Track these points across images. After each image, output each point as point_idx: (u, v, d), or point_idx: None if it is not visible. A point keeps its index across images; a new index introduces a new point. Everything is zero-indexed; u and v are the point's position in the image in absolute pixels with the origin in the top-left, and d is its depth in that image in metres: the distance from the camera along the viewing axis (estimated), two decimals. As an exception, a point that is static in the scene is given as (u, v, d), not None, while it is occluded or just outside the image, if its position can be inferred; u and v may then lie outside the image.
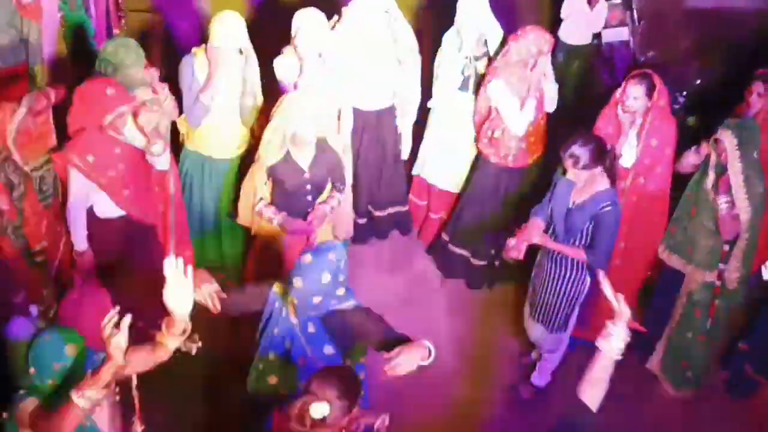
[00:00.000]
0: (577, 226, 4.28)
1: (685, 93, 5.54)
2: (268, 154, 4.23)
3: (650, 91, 4.54)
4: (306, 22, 4.59)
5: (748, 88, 4.75)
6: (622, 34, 6.01)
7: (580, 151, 4.17)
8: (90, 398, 2.75)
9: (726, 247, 4.46)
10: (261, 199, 4.33)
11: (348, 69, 4.81)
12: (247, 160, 4.67)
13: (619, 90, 4.64)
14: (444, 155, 5.30)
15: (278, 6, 6.11)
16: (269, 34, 4.98)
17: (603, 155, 4.23)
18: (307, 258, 3.27)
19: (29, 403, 2.92)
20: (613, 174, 4.28)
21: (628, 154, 4.61)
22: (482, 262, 5.37)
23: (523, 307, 5.26)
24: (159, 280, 4.35)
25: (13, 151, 3.93)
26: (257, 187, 4.32)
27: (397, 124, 5.23)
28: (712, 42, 5.87)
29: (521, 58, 4.76)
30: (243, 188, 4.43)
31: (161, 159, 4.32)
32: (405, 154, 5.39)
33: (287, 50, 4.71)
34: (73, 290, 4.27)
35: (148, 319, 3.10)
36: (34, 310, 4.15)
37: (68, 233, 4.19)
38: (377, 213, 5.42)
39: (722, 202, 4.35)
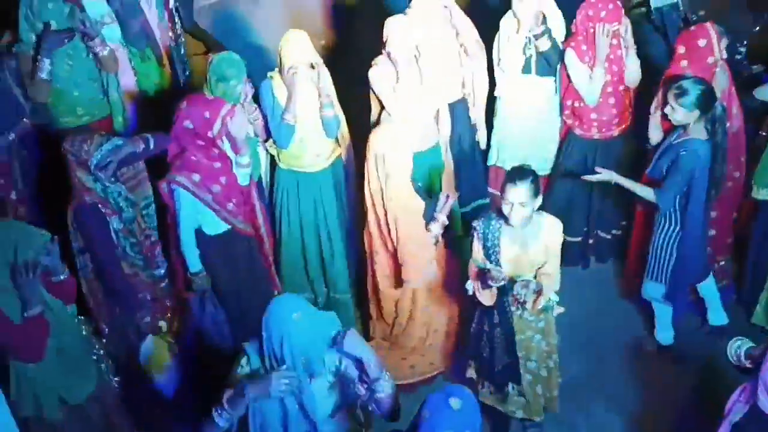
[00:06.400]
0: (662, 165, 4.46)
1: (745, 42, 5.52)
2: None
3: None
4: (396, 27, 4.71)
5: None
6: (672, -4, 6.01)
7: (689, 85, 4.27)
8: None
9: None
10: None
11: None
12: (337, 168, 4.88)
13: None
14: (517, 140, 5.35)
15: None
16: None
17: (708, 103, 4.30)
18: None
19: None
20: (715, 129, 4.37)
21: None
22: (576, 239, 5.39)
23: (621, 281, 5.33)
24: (268, 294, 4.53)
25: (104, 178, 4.04)
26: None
27: (471, 116, 5.30)
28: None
29: (584, 25, 4.85)
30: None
31: (244, 172, 4.43)
32: (483, 143, 5.46)
33: (380, 59, 4.83)
34: (191, 312, 4.39)
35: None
36: (163, 325, 4.28)
37: (181, 257, 4.32)
38: (461, 209, 5.45)
39: None
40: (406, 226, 4.42)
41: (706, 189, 4.50)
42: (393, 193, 4.37)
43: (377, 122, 4.85)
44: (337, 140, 4.88)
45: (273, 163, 4.91)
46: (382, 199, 4.41)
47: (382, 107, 4.87)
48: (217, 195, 4.25)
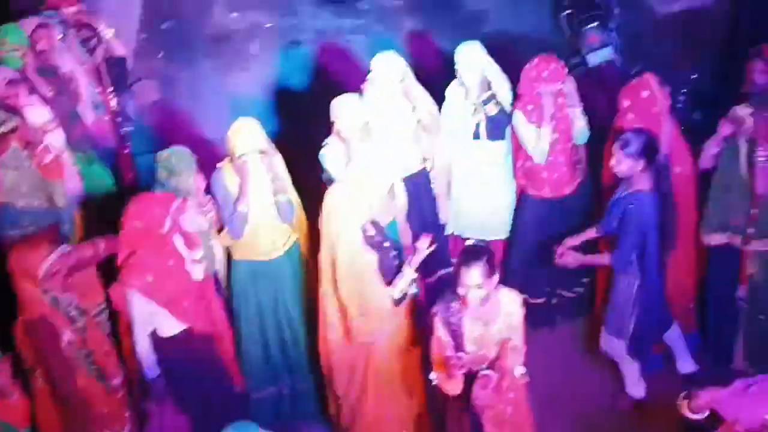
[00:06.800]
0: (611, 221, 4.48)
1: (684, 91, 5.67)
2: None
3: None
4: (344, 106, 4.73)
5: (748, 67, 4.86)
6: (607, 54, 6.16)
7: (632, 136, 4.34)
8: None
9: (754, 211, 4.53)
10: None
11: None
12: (294, 254, 4.78)
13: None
14: (473, 207, 5.35)
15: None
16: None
17: (652, 153, 4.37)
18: None
19: None
20: (660, 179, 4.43)
21: None
22: (539, 300, 5.35)
23: (589, 339, 5.27)
24: (230, 395, 4.37)
25: (53, 288, 3.95)
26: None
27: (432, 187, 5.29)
28: (694, 39, 6.04)
29: (528, 87, 4.91)
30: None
31: (199, 268, 4.33)
32: (445, 217, 5.41)
33: (331, 140, 4.83)
34: (152, 420, 4.24)
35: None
36: None
37: (137, 363, 4.18)
38: (427, 279, 5.37)
39: (761, 155, 4.45)
40: (357, 282, 4.22)
41: (657, 240, 4.51)
42: (343, 247, 4.18)
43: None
44: (292, 226, 4.79)
45: (228, 255, 4.81)
46: (334, 257, 4.23)
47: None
48: (171, 294, 4.14)
